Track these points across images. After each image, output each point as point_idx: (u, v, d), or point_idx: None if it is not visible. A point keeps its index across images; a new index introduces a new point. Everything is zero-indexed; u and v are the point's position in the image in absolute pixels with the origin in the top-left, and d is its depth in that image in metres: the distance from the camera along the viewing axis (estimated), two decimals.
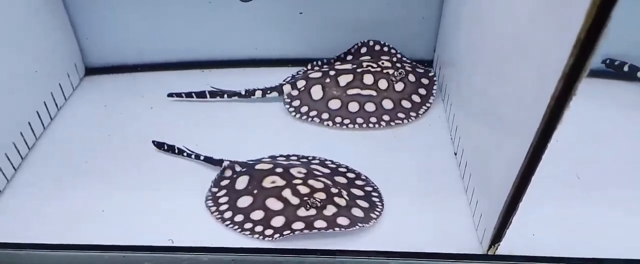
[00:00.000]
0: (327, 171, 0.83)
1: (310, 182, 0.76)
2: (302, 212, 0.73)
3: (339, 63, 1.12)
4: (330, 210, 0.73)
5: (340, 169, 0.85)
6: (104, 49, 1.13)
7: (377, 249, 0.74)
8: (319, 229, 0.71)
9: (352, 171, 0.86)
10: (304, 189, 0.75)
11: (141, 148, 0.94)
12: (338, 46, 1.11)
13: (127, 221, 0.81)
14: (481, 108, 0.80)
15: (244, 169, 0.83)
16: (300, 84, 1.04)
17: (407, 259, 0.73)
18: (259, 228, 0.73)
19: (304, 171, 0.79)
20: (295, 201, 0.74)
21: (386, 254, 0.73)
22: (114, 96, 1.08)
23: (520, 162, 0.62)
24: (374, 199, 0.79)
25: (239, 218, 0.75)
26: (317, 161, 0.87)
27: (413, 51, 1.11)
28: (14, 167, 0.92)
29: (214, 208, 0.77)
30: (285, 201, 0.74)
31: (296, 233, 0.72)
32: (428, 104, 1.03)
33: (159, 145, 0.92)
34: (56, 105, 1.06)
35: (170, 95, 1.05)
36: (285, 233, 0.72)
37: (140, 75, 1.14)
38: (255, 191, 0.77)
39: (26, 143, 0.96)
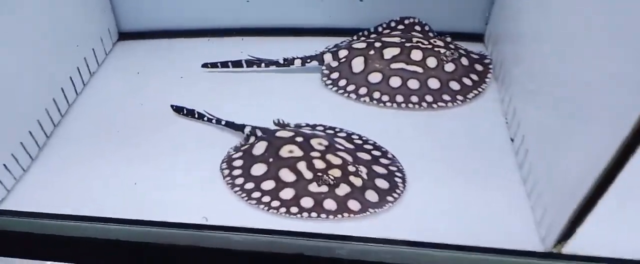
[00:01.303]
0: (350, 146, 0.77)
1: (328, 157, 0.71)
2: (313, 187, 0.69)
3: (387, 31, 1.01)
4: (342, 190, 0.68)
5: (366, 146, 0.78)
6: (138, 13, 1.08)
7: (413, 239, 0.66)
8: (327, 213, 0.67)
9: (379, 148, 0.78)
10: (319, 164, 0.70)
11: (174, 118, 0.89)
12: (385, 15, 1.03)
13: (159, 194, 0.76)
14: (551, 91, 0.69)
15: (265, 135, 0.78)
16: (342, 54, 0.96)
17: (456, 252, 0.66)
18: (266, 199, 0.69)
19: (326, 143, 0.74)
20: (308, 175, 0.70)
21: (431, 246, 0.66)
22: (147, 63, 1.03)
23: (606, 155, 0.51)
24: (396, 179, 0.72)
25: (249, 185, 0.72)
26: (343, 134, 0.81)
27: (461, 23, 1.01)
28: (46, 135, 0.88)
29: (226, 172, 0.74)
30: (298, 173, 0.70)
31: (304, 215, 0.67)
32: (480, 89, 0.90)
33: (178, 109, 0.88)
34: (89, 71, 1.01)
35: (204, 65, 0.99)
36: (292, 210, 0.68)
37: (175, 41, 1.08)
38: (270, 160, 0.73)
39: (59, 110, 0.91)
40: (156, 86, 0.97)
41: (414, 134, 0.83)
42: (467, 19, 1.01)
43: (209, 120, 0.85)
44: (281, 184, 0.70)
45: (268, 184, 0.71)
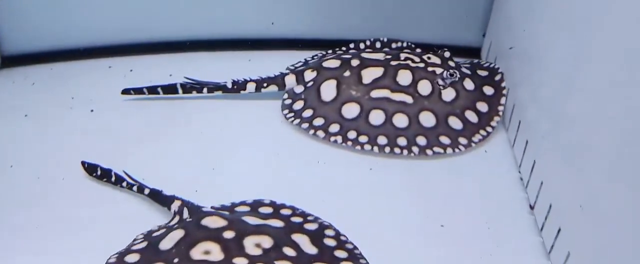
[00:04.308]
0: (311, 250, 0.58)
1: None
2: None
3: (369, 51, 0.84)
4: None
5: (338, 253, 0.59)
6: (27, 30, 0.86)
7: None
8: None
9: (355, 258, 0.58)
10: None
11: (60, 182, 0.68)
12: (364, 24, 0.88)
13: None
14: (610, 138, 0.49)
15: (188, 220, 0.61)
16: (309, 76, 0.79)
17: None
18: None
19: (268, 245, 0.57)
20: None
21: None
22: (39, 98, 0.82)
23: None
24: None
25: None
26: (312, 227, 0.61)
27: (452, 34, 0.86)
28: None
29: None
30: None
31: None
32: (489, 128, 0.73)
33: (91, 169, 0.69)
34: None
35: (126, 91, 0.81)
36: None
37: (78, 64, 0.87)
38: (175, 260, 0.56)
39: None
40: (46, 133, 0.76)
41: (397, 194, 0.67)
42: (459, 29, 0.86)
43: (130, 187, 0.66)
44: None
45: None
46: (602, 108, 0.50)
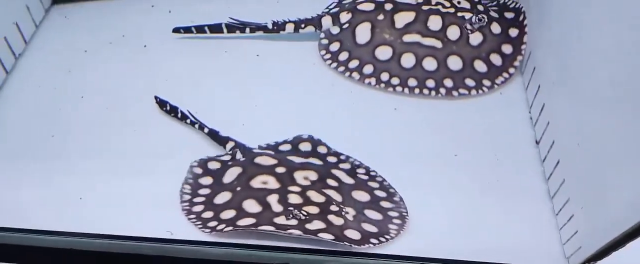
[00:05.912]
0: (349, 181, 0.68)
1: (310, 193, 0.64)
2: (280, 220, 0.62)
3: None
4: (314, 225, 0.61)
5: (371, 183, 0.69)
6: None
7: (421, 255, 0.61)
8: (291, 232, 0.60)
9: (386, 188, 0.68)
10: (294, 199, 0.64)
11: (128, 112, 0.77)
12: None
13: (108, 208, 0.66)
14: (597, 87, 0.58)
15: (242, 159, 0.70)
16: (345, 17, 0.84)
17: None
18: (220, 227, 0.63)
19: (314, 177, 0.67)
20: (277, 208, 0.63)
21: (437, 261, 0.61)
22: (93, 34, 0.87)
23: None
24: (390, 226, 0.64)
25: (207, 214, 0.65)
26: (347, 165, 0.71)
27: None
28: None
29: (186, 197, 0.67)
30: (265, 205, 0.64)
31: (255, 229, 0.61)
32: (511, 70, 0.79)
33: (161, 104, 0.78)
34: (13, 53, 0.82)
35: (176, 30, 0.87)
36: (240, 224, 0.61)
37: (122, 2, 0.91)
38: (238, 188, 0.66)
39: None
40: (104, 67, 0.83)
41: (418, 130, 0.74)
42: None
43: (192, 124, 0.75)
44: (242, 214, 0.63)
45: (228, 214, 0.64)
46: (606, 58, 0.55)
